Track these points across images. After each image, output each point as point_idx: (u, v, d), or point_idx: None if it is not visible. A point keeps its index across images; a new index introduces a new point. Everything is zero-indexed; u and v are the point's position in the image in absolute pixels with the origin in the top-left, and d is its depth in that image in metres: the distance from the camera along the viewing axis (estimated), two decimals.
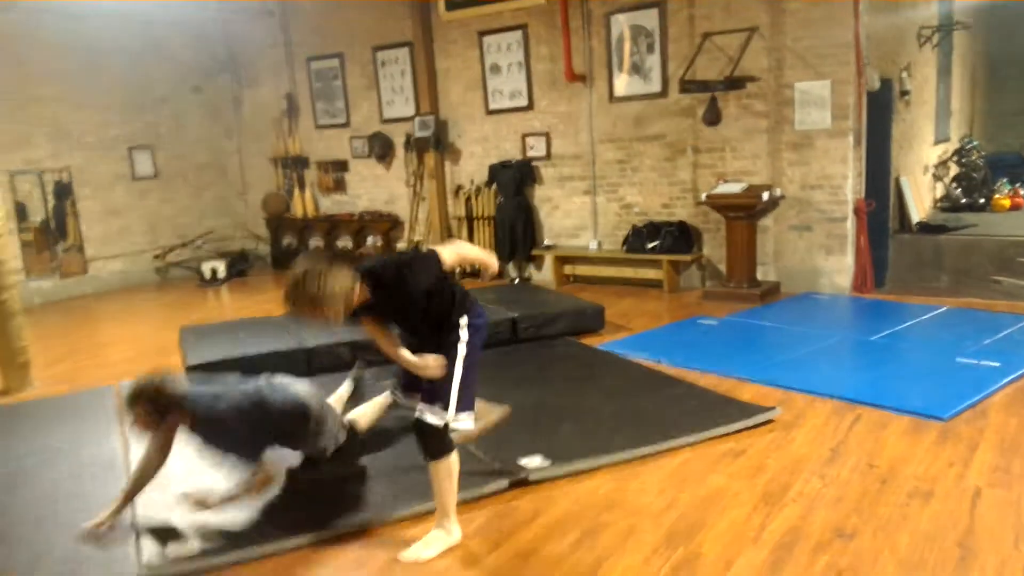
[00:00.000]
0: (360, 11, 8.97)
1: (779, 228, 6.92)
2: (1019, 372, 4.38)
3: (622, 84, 7.53)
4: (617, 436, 3.73)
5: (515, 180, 8.19)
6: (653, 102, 7.38)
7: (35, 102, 8.57)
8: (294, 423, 3.23)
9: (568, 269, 8.08)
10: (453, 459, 2.88)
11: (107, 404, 4.73)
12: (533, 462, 3.43)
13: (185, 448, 3.13)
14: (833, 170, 6.57)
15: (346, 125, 9.60)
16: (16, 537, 3.13)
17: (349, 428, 3.52)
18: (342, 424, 3.47)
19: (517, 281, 8.27)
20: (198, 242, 9.95)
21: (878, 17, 6.80)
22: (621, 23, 7.40)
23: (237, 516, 3.11)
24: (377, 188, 9.55)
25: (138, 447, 3.22)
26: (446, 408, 2.82)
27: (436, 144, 8.67)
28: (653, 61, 7.29)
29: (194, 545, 2.94)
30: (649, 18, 7.22)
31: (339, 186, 9.86)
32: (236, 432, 3.04)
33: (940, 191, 10.19)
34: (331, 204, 9.97)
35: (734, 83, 6.63)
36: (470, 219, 8.63)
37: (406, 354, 2.91)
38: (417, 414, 2.85)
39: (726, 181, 6.88)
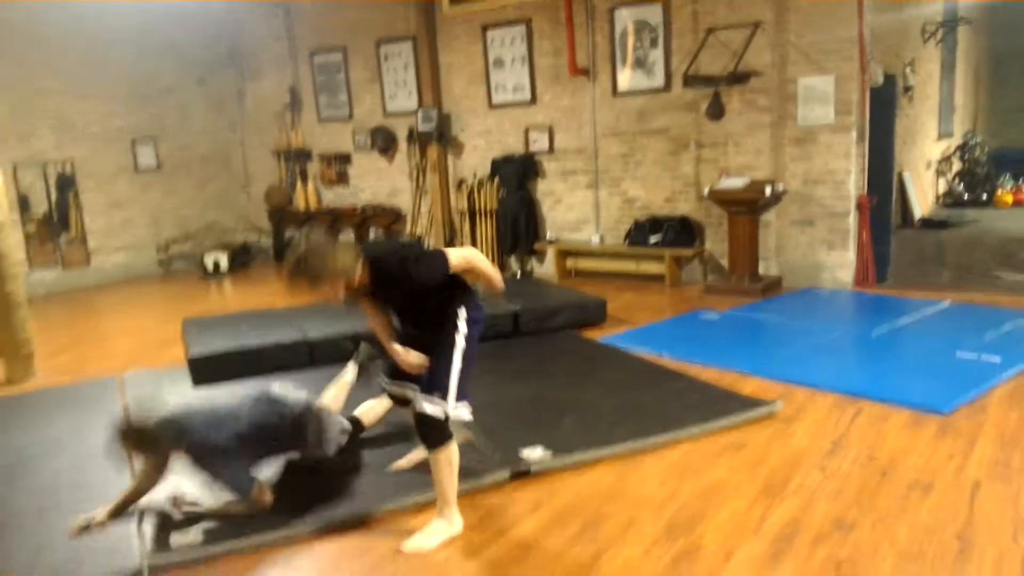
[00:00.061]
0: (363, 5, 8.95)
1: (781, 223, 6.92)
2: (1020, 367, 4.38)
3: (625, 78, 7.52)
4: (619, 429, 3.74)
5: (518, 174, 8.19)
6: (656, 96, 7.38)
7: (39, 94, 8.58)
8: (295, 440, 3.25)
9: (570, 263, 8.09)
10: (453, 448, 2.91)
11: (110, 395, 4.75)
12: (535, 454, 3.44)
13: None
14: (836, 165, 6.57)
15: (349, 118, 9.61)
16: (18, 527, 3.15)
17: (352, 426, 3.54)
18: (343, 428, 3.48)
19: (519, 275, 8.28)
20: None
21: (882, 13, 6.80)
22: (625, 18, 7.39)
23: None
24: (380, 181, 9.55)
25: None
26: (444, 397, 2.85)
27: (439, 138, 8.67)
28: (656, 56, 7.29)
29: (196, 534, 2.96)
30: (653, 13, 7.22)
31: (342, 179, 9.86)
32: (233, 456, 3.02)
33: (943, 187, 10.19)
34: (334, 197, 9.98)
35: (737, 78, 6.63)
36: (472, 213, 8.64)
37: (395, 344, 3.00)
38: (416, 407, 2.87)
39: (729, 176, 6.89)
